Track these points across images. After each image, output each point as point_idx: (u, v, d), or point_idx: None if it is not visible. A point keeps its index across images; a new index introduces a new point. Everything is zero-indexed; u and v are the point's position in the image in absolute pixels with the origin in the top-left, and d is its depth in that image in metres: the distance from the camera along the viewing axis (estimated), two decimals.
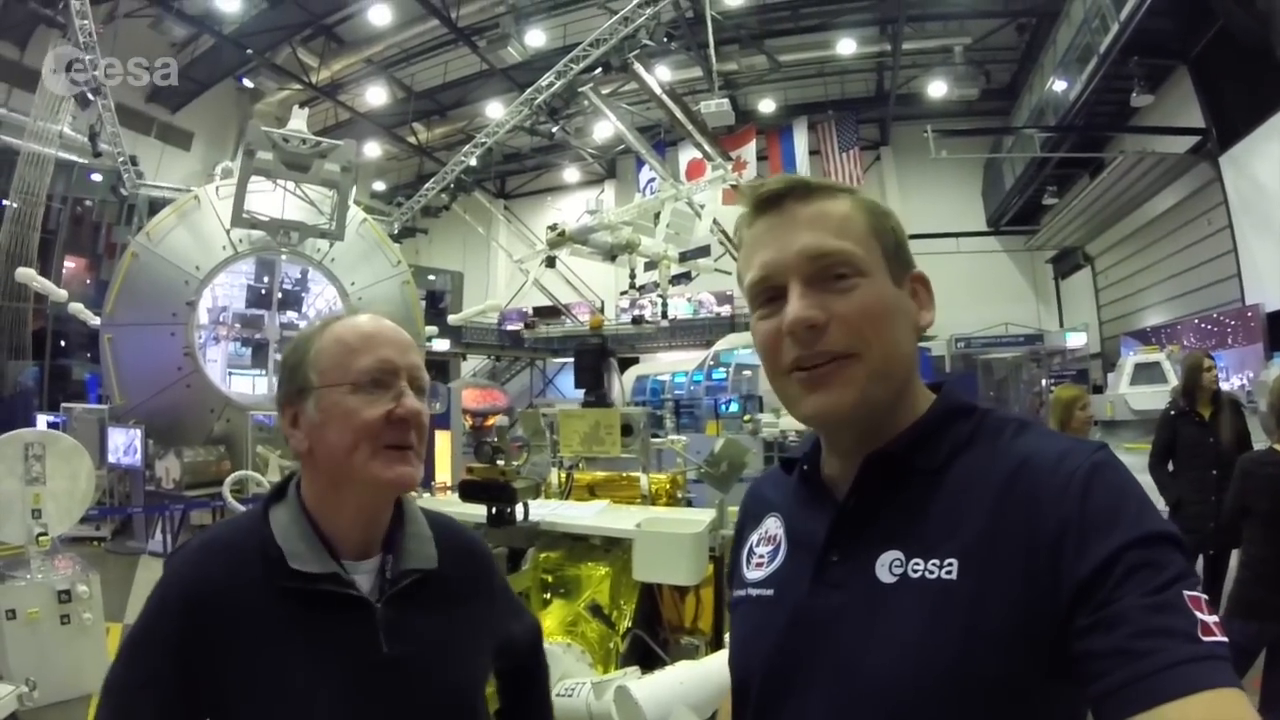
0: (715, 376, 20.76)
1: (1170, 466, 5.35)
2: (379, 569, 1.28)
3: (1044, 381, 20.89)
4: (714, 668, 2.15)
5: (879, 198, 1.04)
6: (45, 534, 5.61)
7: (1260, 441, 4.66)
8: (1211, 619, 0.76)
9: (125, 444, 11.40)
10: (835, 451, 1.05)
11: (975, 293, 22.97)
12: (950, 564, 0.88)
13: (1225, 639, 0.75)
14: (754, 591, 1.08)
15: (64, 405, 14.41)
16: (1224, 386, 5.94)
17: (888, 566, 0.92)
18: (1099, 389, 15.37)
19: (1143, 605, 0.76)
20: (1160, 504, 5.18)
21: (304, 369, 1.26)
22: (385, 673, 1.22)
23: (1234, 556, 4.17)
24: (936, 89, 22.54)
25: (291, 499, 1.30)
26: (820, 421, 0.99)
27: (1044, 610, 0.82)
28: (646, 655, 3.41)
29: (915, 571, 0.90)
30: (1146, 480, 5.13)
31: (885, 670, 0.88)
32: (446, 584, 1.33)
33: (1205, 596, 0.78)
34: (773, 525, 1.12)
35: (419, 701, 1.24)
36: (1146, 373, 12.23)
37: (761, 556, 1.10)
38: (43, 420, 13.42)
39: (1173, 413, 5.45)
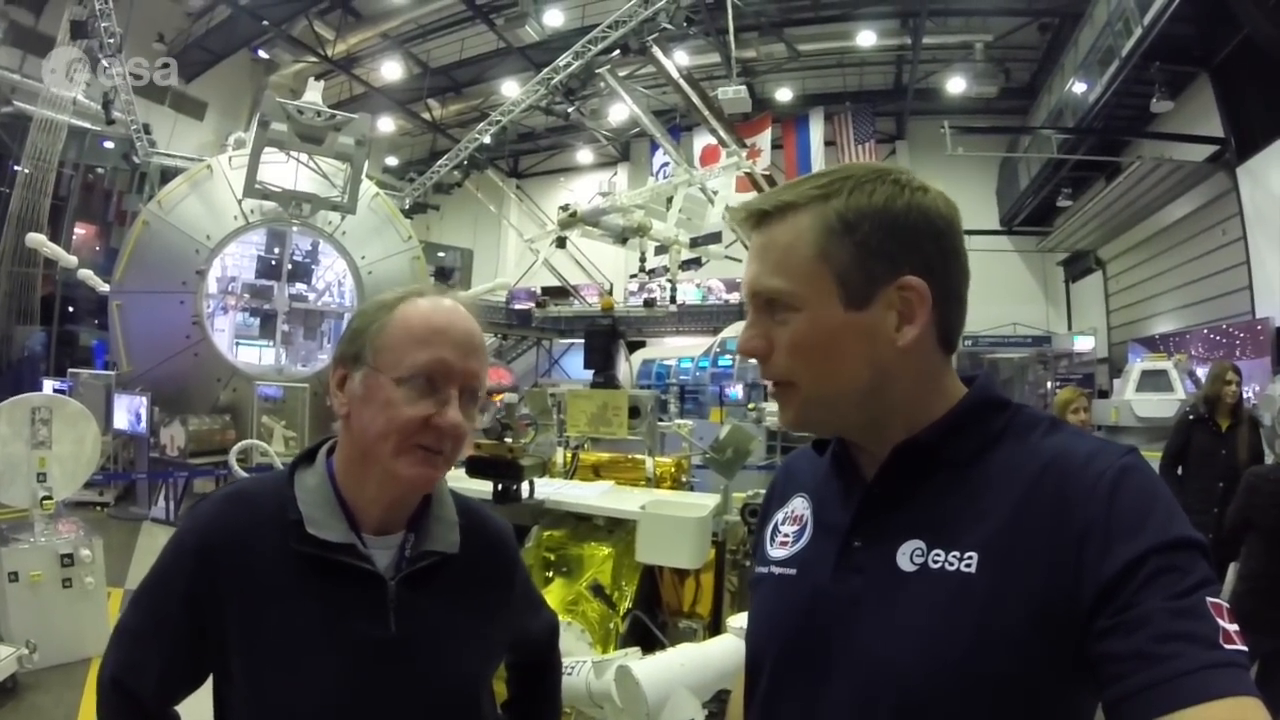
0: (721, 363, 20.75)
1: (1179, 473, 5.31)
2: (399, 547, 1.26)
3: (1049, 384, 20.86)
4: (715, 652, 2.16)
5: None
6: (50, 498, 5.64)
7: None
8: (1233, 627, 0.76)
9: (131, 410, 11.44)
10: (851, 442, 1.06)
11: (985, 291, 22.70)
12: (970, 557, 0.88)
13: (1245, 648, 0.75)
14: (776, 570, 1.08)
15: (71, 371, 14.48)
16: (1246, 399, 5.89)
17: (909, 555, 0.92)
18: (1105, 394, 15.30)
19: (1165, 609, 0.76)
20: None
21: (364, 339, 1.22)
22: (390, 652, 1.20)
23: (1230, 569, 4.15)
24: (955, 85, 22.37)
25: (320, 465, 1.28)
26: (785, 429, 1.04)
27: (1062, 610, 0.82)
28: (645, 637, 3.42)
29: (935, 562, 0.90)
30: None
31: (897, 659, 0.88)
32: (465, 571, 1.31)
33: (1227, 605, 0.77)
34: (800, 505, 1.12)
35: (419, 685, 1.23)
36: (1153, 380, 12.14)
37: (786, 535, 1.10)
38: (49, 385, 13.43)
39: (1191, 418, 5.39)
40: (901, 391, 0.98)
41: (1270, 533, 3.83)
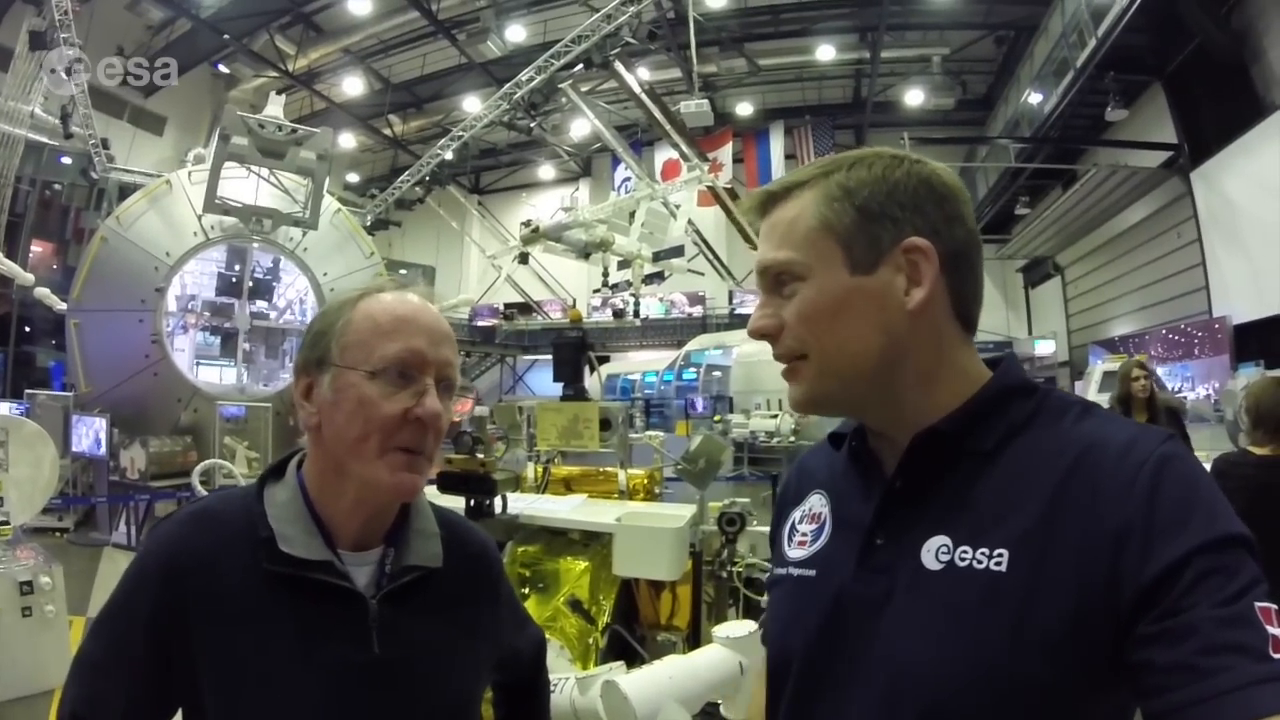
0: (686, 376, 20.80)
1: None
2: (379, 563, 1.19)
3: None
4: (702, 663, 2.12)
5: None
6: (7, 523, 5.50)
7: (1200, 450, 4.76)
8: None
9: (90, 432, 11.21)
10: (869, 431, 1.03)
11: None
12: (1000, 554, 0.84)
13: None
14: (795, 571, 1.05)
15: (28, 392, 14.15)
16: (1177, 394, 6.05)
17: (934, 553, 0.88)
18: None
19: (1212, 618, 0.72)
20: None
21: (328, 339, 1.15)
22: (374, 675, 1.13)
23: None
24: (913, 98, 22.74)
25: (290, 478, 1.20)
26: (796, 410, 1.00)
27: (1097, 611, 0.78)
28: (625, 651, 3.38)
29: (963, 560, 0.86)
30: None
31: (926, 663, 0.85)
32: (449, 586, 1.24)
33: (1275, 607, 0.74)
34: (817, 503, 1.08)
35: (408, 708, 1.16)
36: (1114, 381, 12.33)
37: (804, 535, 1.07)
38: (5, 407, 13.13)
39: None
40: (916, 363, 0.95)
41: (1242, 517, 3.90)
